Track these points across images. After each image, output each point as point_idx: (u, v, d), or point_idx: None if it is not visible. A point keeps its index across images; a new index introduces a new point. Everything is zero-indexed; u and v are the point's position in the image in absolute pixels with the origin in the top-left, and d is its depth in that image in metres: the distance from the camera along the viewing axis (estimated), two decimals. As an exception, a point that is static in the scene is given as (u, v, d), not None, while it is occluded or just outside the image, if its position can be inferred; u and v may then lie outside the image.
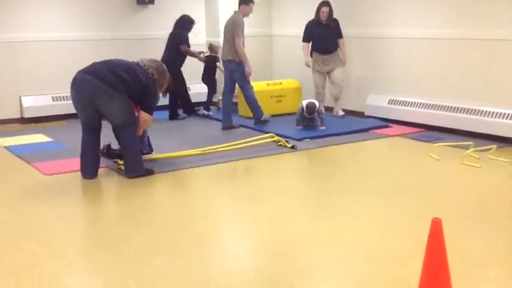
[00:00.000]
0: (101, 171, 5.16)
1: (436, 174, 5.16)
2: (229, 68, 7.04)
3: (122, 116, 4.92)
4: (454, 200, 4.38)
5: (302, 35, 7.69)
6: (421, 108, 7.00)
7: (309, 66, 7.62)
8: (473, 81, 6.46)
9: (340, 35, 7.56)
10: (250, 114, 7.28)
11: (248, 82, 7.06)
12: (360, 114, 7.80)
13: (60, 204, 4.37)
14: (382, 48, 7.53)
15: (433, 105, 6.88)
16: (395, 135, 6.72)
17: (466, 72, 6.52)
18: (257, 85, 7.87)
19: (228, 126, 7.13)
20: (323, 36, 7.50)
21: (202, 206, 4.36)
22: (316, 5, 7.51)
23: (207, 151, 5.79)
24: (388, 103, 7.44)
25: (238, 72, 6.97)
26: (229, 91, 7.22)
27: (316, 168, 5.59)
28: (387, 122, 7.24)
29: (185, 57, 7.91)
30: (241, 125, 7.20)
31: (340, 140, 6.51)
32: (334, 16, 7.53)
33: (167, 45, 7.83)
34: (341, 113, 7.74)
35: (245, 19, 7.03)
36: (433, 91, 6.92)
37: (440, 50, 6.77)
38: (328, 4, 7.47)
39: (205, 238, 3.68)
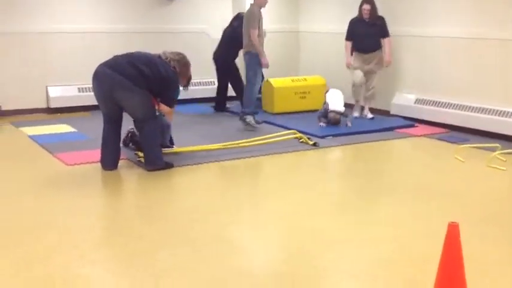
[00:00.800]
0: (121, 163, 5.18)
1: (459, 177, 5.03)
2: (246, 59, 6.94)
3: (142, 110, 4.92)
4: (476, 204, 4.26)
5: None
6: (448, 108, 6.84)
7: (349, 67, 7.28)
8: (501, 82, 6.28)
9: (385, 34, 7.15)
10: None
11: (257, 80, 6.85)
12: (386, 113, 7.67)
13: (78, 195, 4.40)
14: (410, 47, 7.38)
15: (460, 105, 6.72)
16: (420, 135, 6.58)
17: (495, 72, 6.34)
18: (281, 81, 7.83)
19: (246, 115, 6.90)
20: (363, 34, 7.14)
21: (220, 201, 4.34)
22: (357, 2, 7.25)
23: (228, 146, 5.76)
24: (414, 102, 7.30)
25: (249, 65, 6.86)
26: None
27: (336, 166, 5.52)
28: (413, 121, 7.11)
29: (238, 52, 7.82)
30: (264, 121, 7.13)
31: (364, 138, 6.41)
32: None
33: (222, 40, 7.89)
34: (370, 115, 7.40)
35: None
36: (460, 91, 6.76)
37: (469, 50, 6.60)
38: (370, 1, 7.09)
39: (220, 234, 3.65)
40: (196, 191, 4.61)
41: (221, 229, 3.74)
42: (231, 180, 4.95)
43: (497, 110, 6.28)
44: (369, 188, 4.71)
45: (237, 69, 7.97)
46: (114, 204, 4.37)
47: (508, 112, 6.17)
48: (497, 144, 5.67)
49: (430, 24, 7.08)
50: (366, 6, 7.07)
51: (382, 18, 7.15)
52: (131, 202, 4.45)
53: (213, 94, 8.53)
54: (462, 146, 5.82)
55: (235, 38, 7.31)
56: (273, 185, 4.79)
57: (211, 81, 8.75)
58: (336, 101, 6.91)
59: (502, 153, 5.46)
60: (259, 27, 6.70)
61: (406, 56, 7.44)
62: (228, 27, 7.93)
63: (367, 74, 7.27)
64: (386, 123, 7.07)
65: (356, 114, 7.42)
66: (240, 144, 5.82)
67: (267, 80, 7.92)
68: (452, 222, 2.63)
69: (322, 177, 5.14)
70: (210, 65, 8.65)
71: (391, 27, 7.48)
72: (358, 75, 7.27)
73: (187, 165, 5.24)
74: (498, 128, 6.24)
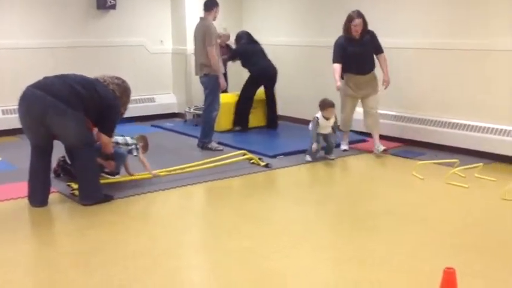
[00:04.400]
0: (51, 197, 4.58)
1: (422, 197, 4.77)
2: (202, 81, 6.42)
3: (78, 137, 4.37)
4: (447, 229, 3.97)
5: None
6: (401, 121, 6.64)
7: (339, 90, 6.11)
8: (458, 94, 6.12)
9: (379, 50, 6.11)
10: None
11: (216, 102, 6.37)
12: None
13: (1, 241, 3.79)
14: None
15: (413, 118, 6.53)
16: (372, 152, 6.32)
17: (449, 84, 6.19)
18: (227, 97, 7.40)
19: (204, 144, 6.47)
20: (357, 54, 6.04)
21: (168, 240, 3.83)
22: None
23: (173, 172, 5.27)
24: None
25: (208, 87, 6.35)
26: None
27: (292, 191, 5.12)
28: (364, 136, 6.86)
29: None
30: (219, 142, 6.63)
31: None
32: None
33: (263, 53, 7.49)
34: (381, 147, 6.10)
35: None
36: (413, 104, 6.57)
37: (422, 61, 6.42)
38: (360, 15, 5.98)
39: (173, 282, 3.17)
40: (142, 229, 4.08)
41: (172, 276, 3.26)
42: (179, 213, 4.46)
43: (453, 123, 6.11)
44: (330, 217, 4.34)
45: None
46: (45, 251, 3.74)
47: (465, 125, 6.01)
48: (456, 160, 5.47)
49: (387, 35, 6.86)
50: (357, 21, 5.93)
51: (372, 33, 6.11)
52: (65, 248, 3.81)
53: (154, 112, 8.08)
54: (420, 162, 5.58)
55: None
56: (226, 217, 4.33)
57: (150, 98, 8.25)
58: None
59: (460, 169, 5.26)
60: (217, 42, 6.28)
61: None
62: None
63: (364, 98, 6.23)
64: (338, 139, 6.76)
65: (345, 147, 6.43)
66: (186, 169, 5.35)
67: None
68: (448, 268, 2.33)
69: (278, 205, 4.71)
70: (150, 80, 8.20)
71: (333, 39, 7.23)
72: (350, 104, 6.26)
73: (129, 196, 4.71)
74: (455, 141, 6.06)
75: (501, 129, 5.69)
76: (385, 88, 6.14)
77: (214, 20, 6.31)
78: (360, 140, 6.76)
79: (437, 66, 6.26)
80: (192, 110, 8.11)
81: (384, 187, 5.11)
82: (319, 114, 5.92)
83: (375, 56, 6.15)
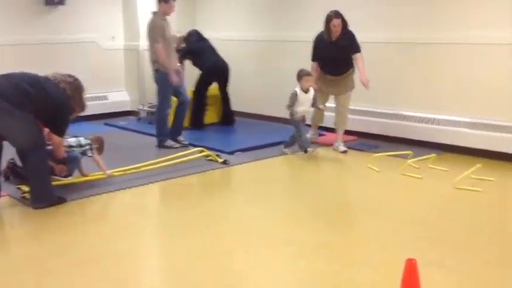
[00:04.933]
0: (1, 200, 4.41)
1: (379, 189, 4.83)
2: (154, 78, 6.31)
3: (26, 138, 4.21)
4: (405, 220, 4.03)
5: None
6: (355, 115, 6.70)
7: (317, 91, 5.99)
8: (409, 86, 6.23)
9: (356, 49, 5.87)
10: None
11: (166, 98, 6.24)
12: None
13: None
14: (301, 53, 7.19)
15: (367, 111, 6.61)
16: (329, 145, 6.37)
17: (400, 77, 6.29)
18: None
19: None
20: (333, 57, 5.91)
21: (125, 242, 3.74)
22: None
23: (128, 171, 5.16)
24: (320, 110, 7.10)
25: (158, 84, 6.23)
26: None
27: (251, 186, 5.09)
28: (320, 129, 6.90)
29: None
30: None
31: (274, 151, 6.09)
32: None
33: (213, 50, 7.42)
34: (342, 148, 6.07)
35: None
36: (367, 97, 6.64)
37: (374, 54, 6.48)
38: (339, 15, 5.78)
39: (133, 284, 3.10)
40: (99, 231, 3.97)
41: (132, 278, 3.19)
42: (136, 213, 4.37)
43: (405, 115, 6.22)
44: (289, 212, 4.33)
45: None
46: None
47: (417, 117, 6.12)
48: (410, 152, 5.57)
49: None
50: (336, 22, 5.75)
51: (350, 33, 5.92)
52: (16, 254, 3.67)
53: (107, 110, 7.92)
54: (375, 155, 5.66)
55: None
56: (185, 215, 4.27)
57: (103, 96, 8.06)
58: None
59: (414, 160, 5.36)
60: (165, 38, 6.07)
61: (302, 61, 7.22)
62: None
63: (336, 96, 6.17)
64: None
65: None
66: (142, 169, 5.24)
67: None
68: (410, 259, 2.36)
69: (237, 201, 4.67)
70: (103, 78, 8.01)
71: (296, 32, 7.25)
72: (320, 98, 6.07)
73: (84, 197, 4.58)
74: (408, 133, 6.18)
75: (452, 121, 5.82)
76: (366, 88, 5.82)
77: (166, 14, 6.13)
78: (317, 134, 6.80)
79: (388, 60, 6.36)
80: (145, 108, 7.98)
81: (342, 180, 5.16)
82: (297, 88, 5.82)
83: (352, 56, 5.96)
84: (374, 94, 6.51)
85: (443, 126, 5.88)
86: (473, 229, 3.84)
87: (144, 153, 5.92)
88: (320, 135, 6.78)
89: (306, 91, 5.81)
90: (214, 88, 7.54)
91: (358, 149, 6.14)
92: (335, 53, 5.91)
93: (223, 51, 7.57)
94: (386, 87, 6.42)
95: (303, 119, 5.96)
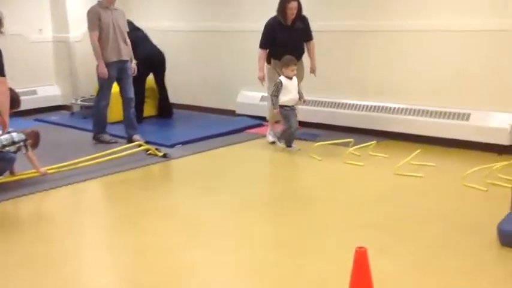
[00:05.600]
0: None
1: (323, 178, 4.83)
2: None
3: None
4: (351, 208, 4.04)
5: (167, 29, 6.61)
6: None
7: (262, 81, 5.82)
8: (349, 75, 6.27)
9: (310, 36, 5.82)
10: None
11: (102, 90, 5.93)
12: (231, 113, 7.33)
13: None
14: (252, 43, 7.10)
15: (308, 100, 6.60)
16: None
17: (340, 65, 6.33)
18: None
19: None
20: (288, 41, 5.66)
21: (67, 242, 3.53)
22: None
23: (63, 168, 4.91)
24: (260, 100, 7.05)
25: (98, 76, 5.93)
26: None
27: (194, 180, 4.95)
28: (261, 120, 6.85)
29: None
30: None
31: (215, 143, 5.98)
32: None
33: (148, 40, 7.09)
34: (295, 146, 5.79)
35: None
36: (308, 86, 6.65)
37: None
38: None
39: (74, 286, 2.93)
40: (35, 232, 3.72)
41: (73, 280, 3.00)
42: (74, 212, 4.15)
43: (345, 103, 6.26)
44: (234, 205, 4.23)
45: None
46: None
47: (356, 105, 6.17)
48: (351, 139, 5.60)
49: (262, 19, 6.86)
50: (293, 4, 5.56)
51: (305, 18, 5.78)
52: None
53: (36, 105, 7.56)
54: (317, 144, 5.66)
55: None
56: (126, 212, 4.09)
57: (32, 91, 7.65)
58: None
59: (355, 148, 5.40)
60: (103, 27, 5.75)
61: (249, 52, 7.14)
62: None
63: None
64: (235, 124, 6.72)
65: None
66: (78, 165, 5.00)
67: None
68: (359, 248, 2.32)
69: (180, 196, 4.53)
70: (31, 72, 7.63)
71: (233, 23, 7.14)
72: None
73: (16, 197, 4.31)
74: (348, 121, 6.22)
75: (391, 107, 5.90)
76: (315, 75, 5.92)
77: (109, 3, 5.81)
78: (257, 124, 6.74)
79: (327, 48, 6.36)
80: (79, 102, 7.65)
81: (285, 170, 5.13)
82: (281, 77, 5.56)
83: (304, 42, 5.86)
84: (314, 83, 6.52)
85: (382, 114, 5.95)
86: (416, 214, 3.88)
87: (79, 149, 5.65)
88: (260, 125, 6.72)
89: (290, 79, 5.56)
90: (149, 80, 7.31)
91: (300, 138, 6.11)
92: (292, 37, 5.70)
93: (158, 41, 7.35)
94: (326, 76, 6.43)
95: (293, 107, 5.66)
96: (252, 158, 5.61)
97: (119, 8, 5.99)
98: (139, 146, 5.56)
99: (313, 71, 5.93)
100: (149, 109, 7.34)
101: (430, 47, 5.62)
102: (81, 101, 7.62)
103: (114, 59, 5.82)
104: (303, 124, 6.58)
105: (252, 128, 6.62)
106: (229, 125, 6.66)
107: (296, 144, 5.69)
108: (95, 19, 5.74)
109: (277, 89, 5.53)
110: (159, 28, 7.77)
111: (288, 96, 5.56)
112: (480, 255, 3.20)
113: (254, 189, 4.58)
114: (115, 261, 3.33)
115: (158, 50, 7.22)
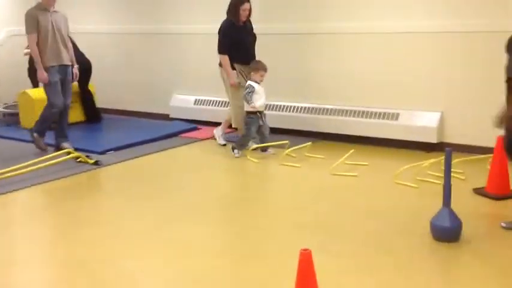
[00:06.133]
0: None
1: (261, 180, 4.84)
2: None
3: None
4: (290, 209, 4.04)
5: (220, 42, 5.67)
6: (228, 106, 6.67)
7: (236, 86, 5.65)
8: (283, 76, 6.28)
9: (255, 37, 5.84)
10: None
11: (48, 98, 5.61)
12: (165, 117, 7.21)
13: None
14: (185, 45, 7.03)
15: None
16: (206, 139, 6.26)
17: (274, 66, 6.32)
18: (39, 92, 6.75)
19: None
20: (246, 42, 5.67)
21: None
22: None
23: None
24: (194, 103, 6.98)
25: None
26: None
27: (127, 187, 4.80)
28: (195, 123, 6.78)
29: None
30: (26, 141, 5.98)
31: (149, 148, 5.85)
32: None
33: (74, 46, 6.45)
34: (222, 142, 5.96)
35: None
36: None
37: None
38: None
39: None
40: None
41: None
42: (0, 227, 3.92)
43: (279, 105, 6.29)
44: (168, 211, 4.11)
45: None
46: None
47: (290, 106, 6.22)
48: (286, 141, 5.62)
49: (196, 21, 6.81)
50: (247, 5, 5.59)
51: (250, 20, 5.81)
52: None
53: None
54: (254, 146, 5.63)
55: None
56: (56, 223, 3.91)
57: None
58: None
59: (291, 150, 5.42)
60: (41, 30, 5.45)
61: (183, 55, 7.05)
62: None
63: (243, 88, 5.68)
64: (169, 129, 6.61)
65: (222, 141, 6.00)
66: (4, 176, 4.73)
67: (24, 92, 6.78)
68: (304, 250, 2.32)
69: (113, 204, 4.36)
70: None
71: (169, 25, 7.01)
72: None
73: None
74: (284, 123, 6.24)
75: (324, 108, 5.97)
76: None
77: (48, 5, 5.51)
78: (192, 128, 6.66)
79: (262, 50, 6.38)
80: (1, 109, 7.28)
81: (222, 174, 5.07)
82: (250, 81, 5.42)
83: None
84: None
85: (316, 115, 6.02)
86: (353, 213, 3.93)
87: (4, 160, 5.35)
88: (195, 129, 6.65)
89: (258, 84, 5.45)
90: (75, 86, 7.05)
91: (235, 142, 6.08)
92: (247, 37, 5.70)
93: (87, 45, 7.12)
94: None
95: (262, 114, 5.49)
96: (187, 163, 5.52)
97: (60, 11, 5.70)
98: (69, 153, 5.34)
99: None
100: (77, 115, 7.08)
101: (361, 49, 5.74)
102: (4, 108, 7.25)
103: (53, 63, 5.54)
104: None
105: (187, 132, 6.52)
106: (162, 130, 6.54)
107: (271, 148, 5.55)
108: (33, 22, 5.44)
109: (250, 93, 5.33)
110: (88, 31, 7.54)
111: (259, 101, 5.40)
112: (415, 250, 3.28)
113: (190, 194, 4.49)
114: (49, 274, 3.16)
115: (85, 58, 6.95)
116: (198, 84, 6.97)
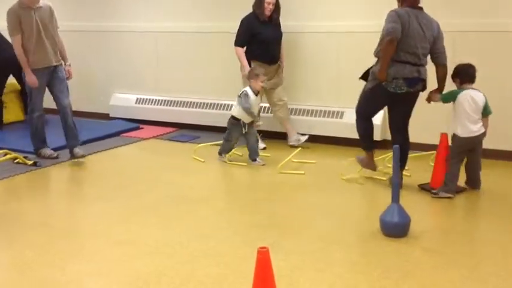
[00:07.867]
0: None
1: (208, 179, 4.77)
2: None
3: None
4: (240, 208, 4.01)
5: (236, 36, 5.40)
6: (172, 106, 6.57)
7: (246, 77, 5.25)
8: (214, 75, 6.27)
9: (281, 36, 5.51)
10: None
11: (31, 100, 5.21)
12: (105, 116, 7.00)
13: None
14: (124, 43, 6.85)
15: (183, 102, 6.51)
16: (149, 138, 6.13)
17: (206, 65, 6.33)
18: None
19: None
20: (270, 39, 5.32)
21: None
22: None
23: None
24: (135, 103, 6.82)
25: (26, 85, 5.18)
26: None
27: (70, 188, 4.63)
28: (136, 123, 6.62)
29: None
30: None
31: (91, 148, 5.65)
32: None
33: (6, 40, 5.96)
34: (303, 138, 5.57)
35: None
36: (180, 87, 6.56)
37: (185, 44, 6.43)
38: None
39: None
40: None
41: None
42: None
43: (223, 104, 6.24)
44: (118, 211, 3.98)
45: None
46: None
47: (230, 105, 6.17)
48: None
49: (143, 19, 6.67)
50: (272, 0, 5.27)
51: (277, 18, 5.46)
52: None
53: None
54: (200, 145, 5.58)
55: None
56: (1, 226, 3.70)
57: None
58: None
59: (238, 148, 5.39)
60: (26, 30, 5.00)
61: (124, 53, 6.87)
62: None
63: (271, 89, 5.50)
64: (110, 128, 6.43)
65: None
66: None
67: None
68: (262, 248, 2.29)
69: (56, 205, 4.21)
70: None
71: (110, 22, 6.82)
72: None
73: None
74: (223, 122, 6.18)
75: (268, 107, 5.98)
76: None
77: (31, 3, 5.01)
78: (133, 127, 6.50)
79: (197, 49, 6.33)
80: None
81: (168, 173, 4.95)
82: (247, 88, 5.03)
83: None
84: (186, 84, 6.46)
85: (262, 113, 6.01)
86: (302, 211, 3.94)
87: None
88: (137, 128, 6.50)
89: (257, 94, 5.04)
90: (14, 84, 6.72)
91: (180, 141, 6.00)
92: (273, 34, 5.37)
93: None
94: (196, 76, 6.42)
95: (249, 125, 5.08)
96: (130, 163, 5.37)
97: (45, 4, 5.15)
98: (5, 154, 5.07)
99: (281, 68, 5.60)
100: (14, 114, 6.78)
101: (307, 49, 5.79)
102: None
103: (40, 65, 5.09)
104: (178, 126, 6.48)
105: (128, 132, 6.36)
106: (103, 129, 6.35)
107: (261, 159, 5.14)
108: (15, 22, 4.96)
109: (246, 101, 4.94)
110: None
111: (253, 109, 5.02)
112: (365, 246, 3.33)
113: (136, 194, 4.36)
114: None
115: None
116: (140, 83, 6.82)
